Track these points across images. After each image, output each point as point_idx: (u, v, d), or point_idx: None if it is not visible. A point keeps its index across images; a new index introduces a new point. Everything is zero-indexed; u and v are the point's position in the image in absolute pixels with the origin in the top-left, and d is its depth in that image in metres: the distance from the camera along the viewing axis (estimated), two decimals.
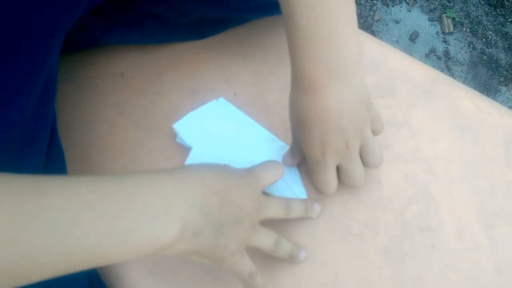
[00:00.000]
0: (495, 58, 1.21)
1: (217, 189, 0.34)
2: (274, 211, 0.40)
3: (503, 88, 1.17)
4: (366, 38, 0.57)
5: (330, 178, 0.42)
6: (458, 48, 1.21)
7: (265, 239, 0.39)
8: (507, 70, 1.19)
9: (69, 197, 0.26)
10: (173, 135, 0.49)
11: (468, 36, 1.23)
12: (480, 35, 1.23)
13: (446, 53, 1.20)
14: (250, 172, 0.39)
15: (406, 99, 0.52)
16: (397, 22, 1.23)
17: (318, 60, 0.36)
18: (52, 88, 0.39)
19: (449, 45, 1.21)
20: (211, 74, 0.53)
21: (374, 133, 0.43)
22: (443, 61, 1.19)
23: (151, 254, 0.30)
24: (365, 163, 0.43)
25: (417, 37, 1.22)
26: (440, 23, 1.24)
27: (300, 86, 0.38)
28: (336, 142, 0.39)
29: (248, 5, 0.51)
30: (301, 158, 0.45)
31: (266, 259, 0.44)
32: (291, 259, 0.42)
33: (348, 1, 0.36)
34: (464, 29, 1.23)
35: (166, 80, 0.52)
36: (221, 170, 0.36)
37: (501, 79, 1.18)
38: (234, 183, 0.36)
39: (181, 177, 0.33)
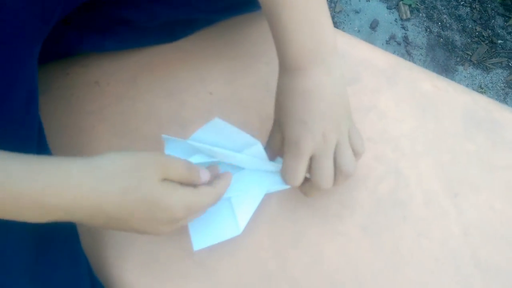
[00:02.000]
0: (451, 40, 1.27)
1: (111, 215, 0.33)
2: None
3: (460, 68, 1.24)
4: None
5: (299, 167, 0.41)
6: (416, 33, 1.27)
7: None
8: (462, 51, 1.26)
9: None
10: (152, 138, 0.51)
11: (424, 21, 1.29)
12: (435, 19, 1.29)
13: (405, 38, 1.26)
14: (180, 215, 0.36)
15: (371, 85, 0.56)
16: (357, 12, 1.28)
17: (302, 49, 0.40)
18: (34, 96, 0.40)
19: (408, 30, 1.27)
20: (185, 75, 0.55)
21: (355, 152, 0.43)
22: (402, 46, 1.25)
23: None
24: (336, 164, 0.42)
25: (377, 25, 1.27)
26: (398, 11, 1.29)
27: (286, 71, 0.42)
28: (314, 127, 0.40)
29: (215, 6, 0.53)
30: (278, 151, 0.46)
31: (250, 244, 0.47)
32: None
33: None
34: (421, 14, 1.29)
35: (141, 84, 0.54)
36: (137, 203, 0.34)
37: (457, 59, 1.25)
38: (140, 219, 0.34)
39: (73, 196, 0.31)
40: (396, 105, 0.55)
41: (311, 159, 0.42)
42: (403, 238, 0.48)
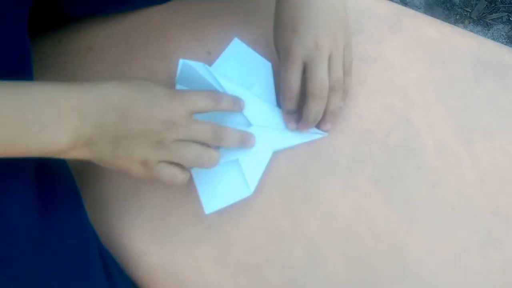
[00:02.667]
0: None
1: (116, 105, 0.35)
2: (198, 133, 0.38)
3: (460, 26, 1.21)
4: None
5: (292, 74, 0.42)
6: None
7: (186, 154, 0.38)
8: (461, 8, 1.23)
9: None
10: None
11: None
12: None
13: None
14: (178, 94, 0.39)
15: (374, 34, 0.54)
16: None
17: None
18: (27, 59, 0.38)
19: None
20: (181, 36, 0.52)
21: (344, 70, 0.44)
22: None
23: (44, 156, 0.34)
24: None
25: None
26: None
27: None
28: (304, 34, 0.41)
29: None
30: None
31: (261, 204, 0.45)
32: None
33: None
34: None
35: (136, 48, 0.51)
36: (134, 87, 0.37)
37: (457, 17, 1.22)
38: (143, 101, 0.36)
39: (77, 93, 0.34)
40: (401, 53, 0.53)
41: (305, 69, 0.42)
42: (417, 188, 0.46)
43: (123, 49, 0.51)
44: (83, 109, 0.34)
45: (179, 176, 0.38)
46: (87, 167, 0.46)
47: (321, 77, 0.42)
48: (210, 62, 0.51)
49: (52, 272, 0.37)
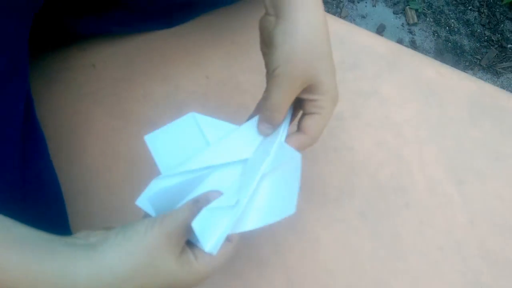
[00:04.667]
0: (459, 44, 1.25)
1: None
2: None
3: (470, 72, 1.22)
4: (329, 18, 0.59)
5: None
6: (424, 37, 1.26)
7: None
8: (471, 55, 1.24)
9: None
10: (146, 120, 0.50)
11: (432, 25, 1.27)
12: (443, 23, 1.28)
13: (413, 42, 1.24)
14: None
15: (371, 70, 0.54)
16: (363, 17, 1.28)
17: None
18: (19, 66, 0.39)
19: (415, 35, 1.26)
20: (182, 60, 0.54)
21: None
22: None
23: None
24: None
25: (383, 30, 1.26)
26: (405, 15, 1.28)
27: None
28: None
29: None
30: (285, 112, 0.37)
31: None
32: None
33: None
34: (428, 19, 1.28)
35: (138, 69, 0.53)
36: None
37: (466, 64, 1.23)
38: None
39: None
40: (398, 91, 0.53)
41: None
42: (405, 226, 0.46)
43: (125, 68, 0.53)
44: None
45: None
46: (70, 161, 0.47)
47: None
48: (208, 86, 0.52)
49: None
